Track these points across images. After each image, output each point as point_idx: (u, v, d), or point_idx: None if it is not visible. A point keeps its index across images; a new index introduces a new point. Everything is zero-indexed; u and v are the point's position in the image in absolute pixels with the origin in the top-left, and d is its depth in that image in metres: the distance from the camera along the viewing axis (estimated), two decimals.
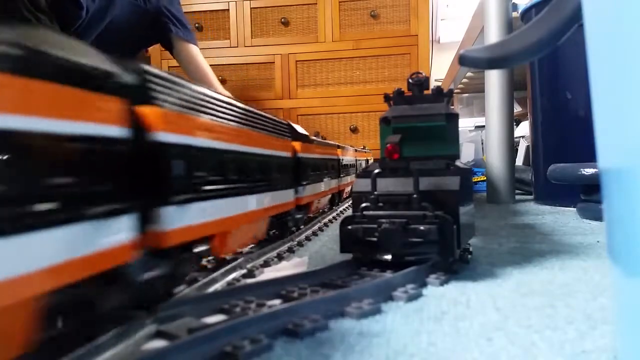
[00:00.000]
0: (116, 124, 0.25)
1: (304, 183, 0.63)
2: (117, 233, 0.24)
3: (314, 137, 0.74)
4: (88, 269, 0.22)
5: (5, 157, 0.18)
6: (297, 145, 0.61)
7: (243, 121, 0.42)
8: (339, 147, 0.97)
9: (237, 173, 0.40)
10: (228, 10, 1.91)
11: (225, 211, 0.37)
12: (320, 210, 0.86)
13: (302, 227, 0.66)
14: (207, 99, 0.36)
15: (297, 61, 1.87)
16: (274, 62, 1.89)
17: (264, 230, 0.52)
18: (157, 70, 0.30)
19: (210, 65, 1.92)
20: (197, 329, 0.26)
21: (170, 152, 0.29)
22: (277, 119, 0.54)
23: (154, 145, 0.28)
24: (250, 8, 1.89)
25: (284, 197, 0.54)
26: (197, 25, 1.92)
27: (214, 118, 0.36)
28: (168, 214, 0.28)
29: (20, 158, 0.18)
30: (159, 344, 0.26)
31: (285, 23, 1.87)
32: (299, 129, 0.67)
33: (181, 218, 0.30)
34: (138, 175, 0.26)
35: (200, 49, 1.92)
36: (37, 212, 0.19)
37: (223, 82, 1.91)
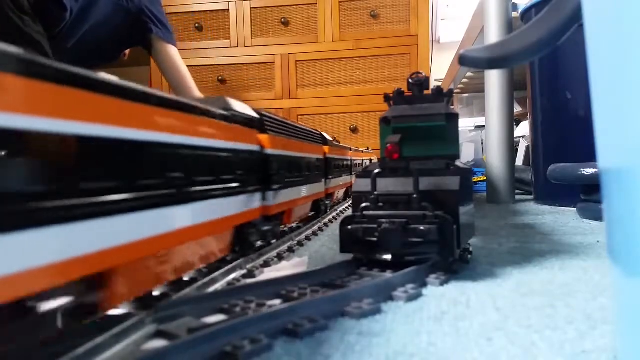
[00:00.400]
0: (255, 144, 0.46)
1: (330, 177, 0.83)
2: (256, 202, 0.46)
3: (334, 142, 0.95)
4: (247, 217, 0.44)
5: (228, 165, 0.39)
6: (326, 149, 0.81)
7: (299, 135, 0.64)
8: (350, 149, 1.11)
9: (298, 171, 0.61)
10: (228, 10, 1.91)
11: (293, 196, 0.58)
12: (339, 200, 1.05)
13: (328, 210, 0.86)
14: (286, 125, 0.57)
15: (297, 61, 1.87)
16: (274, 62, 1.89)
17: (308, 211, 0.73)
18: (267, 112, 0.51)
19: (210, 65, 1.92)
20: (197, 329, 0.26)
21: (273, 160, 0.50)
22: (314, 131, 0.77)
23: (266, 156, 0.48)
24: (250, 8, 1.89)
25: (319, 188, 0.75)
26: (197, 25, 1.92)
27: (288, 136, 0.57)
28: (271, 195, 0.49)
29: (233, 162, 0.41)
30: (159, 344, 0.26)
31: (285, 23, 1.87)
32: (326, 135, 0.85)
33: (276, 198, 0.51)
34: (261, 172, 0.48)
35: (200, 49, 1.93)
36: (233, 187, 0.40)
37: (223, 82, 1.92)
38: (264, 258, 0.49)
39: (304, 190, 0.64)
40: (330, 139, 0.88)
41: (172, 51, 1.33)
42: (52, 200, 0.20)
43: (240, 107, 0.44)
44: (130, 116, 0.26)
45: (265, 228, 0.51)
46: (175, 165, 0.31)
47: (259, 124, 0.48)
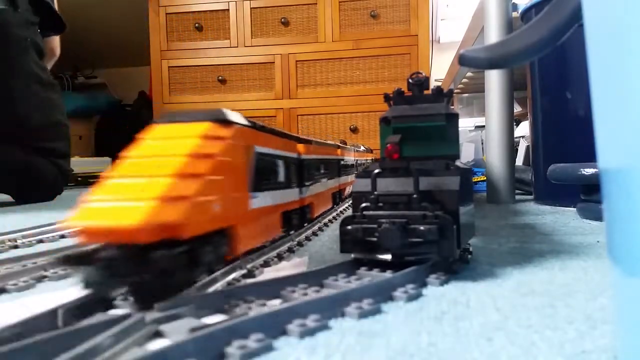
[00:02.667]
0: (296, 153, 0.58)
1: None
2: (297, 194, 0.58)
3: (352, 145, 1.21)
4: (294, 205, 0.56)
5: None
6: (339, 151, 0.96)
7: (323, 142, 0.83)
8: (356, 150, 1.26)
9: (321, 169, 0.74)
10: (228, 10, 1.91)
11: (317, 189, 0.71)
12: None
13: (342, 202, 1.04)
14: (318, 141, 0.74)
15: (297, 61, 1.87)
16: (274, 62, 1.89)
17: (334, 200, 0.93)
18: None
19: (210, 65, 1.92)
20: (197, 329, 0.26)
21: (307, 163, 0.62)
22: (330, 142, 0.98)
23: (301, 160, 0.60)
24: (250, 8, 1.89)
25: (335, 183, 0.91)
26: (197, 25, 1.92)
27: (318, 145, 0.72)
28: (304, 189, 0.61)
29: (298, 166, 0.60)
30: (159, 344, 0.26)
31: (285, 23, 1.87)
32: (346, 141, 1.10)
33: (308, 192, 0.63)
34: (299, 172, 0.59)
35: (200, 49, 1.93)
36: (288, 182, 0.54)
37: (223, 81, 1.91)
38: (264, 258, 0.49)
39: (326, 185, 0.81)
40: (362, 147, 1.12)
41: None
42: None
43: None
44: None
45: (299, 218, 0.66)
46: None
47: (297, 137, 0.64)
